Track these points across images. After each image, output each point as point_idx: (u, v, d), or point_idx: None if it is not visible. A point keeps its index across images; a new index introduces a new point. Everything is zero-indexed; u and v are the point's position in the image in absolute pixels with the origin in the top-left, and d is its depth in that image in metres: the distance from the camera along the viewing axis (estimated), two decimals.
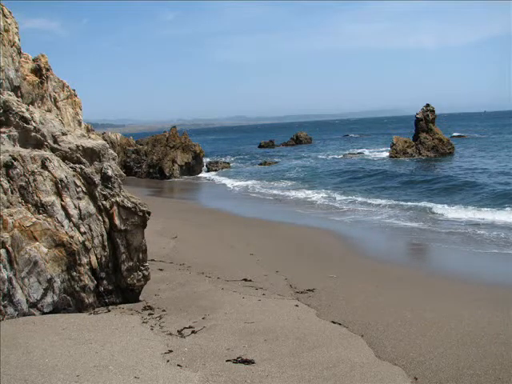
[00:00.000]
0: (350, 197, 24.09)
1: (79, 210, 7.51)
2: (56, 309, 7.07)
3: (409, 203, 21.23)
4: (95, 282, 7.63)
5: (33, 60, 8.61)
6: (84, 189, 7.70)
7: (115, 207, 7.91)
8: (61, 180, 7.35)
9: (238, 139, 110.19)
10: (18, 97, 7.68)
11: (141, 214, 8.05)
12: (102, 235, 7.78)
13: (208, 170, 42.16)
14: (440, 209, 19.46)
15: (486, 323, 7.35)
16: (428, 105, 43.53)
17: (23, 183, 6.99)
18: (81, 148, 7.86)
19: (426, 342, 6.61)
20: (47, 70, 8.60)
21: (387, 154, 44.70)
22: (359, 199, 23.20)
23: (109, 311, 7.47)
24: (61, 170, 7.43)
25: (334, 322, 7.36)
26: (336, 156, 50.36)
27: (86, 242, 7.50)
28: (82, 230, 7.49)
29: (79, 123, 8.77)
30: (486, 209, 19.14)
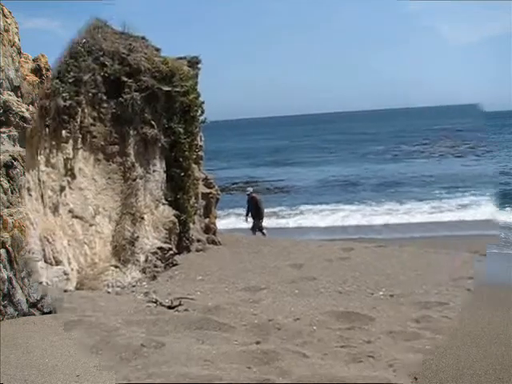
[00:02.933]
0: None
1: None
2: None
3: None
4: None
5: (33, 60, 8.60)
6: None
7: None
8: None
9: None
10: (17, 97, 7.67)
11: None
12: None
13: None
14: None
15: (485, 323, 7.33)
16: None
17: (23, 183, 6.98)
18: None
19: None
20: (47, 70, 8.59)
21: None
22: None
23: None
24: None
25: None
26: None
27: None
28: None
29: None
30: None
